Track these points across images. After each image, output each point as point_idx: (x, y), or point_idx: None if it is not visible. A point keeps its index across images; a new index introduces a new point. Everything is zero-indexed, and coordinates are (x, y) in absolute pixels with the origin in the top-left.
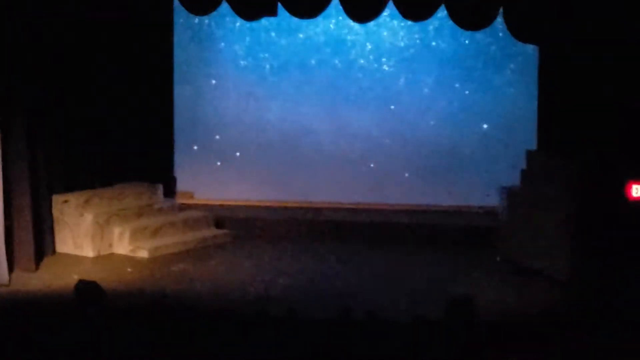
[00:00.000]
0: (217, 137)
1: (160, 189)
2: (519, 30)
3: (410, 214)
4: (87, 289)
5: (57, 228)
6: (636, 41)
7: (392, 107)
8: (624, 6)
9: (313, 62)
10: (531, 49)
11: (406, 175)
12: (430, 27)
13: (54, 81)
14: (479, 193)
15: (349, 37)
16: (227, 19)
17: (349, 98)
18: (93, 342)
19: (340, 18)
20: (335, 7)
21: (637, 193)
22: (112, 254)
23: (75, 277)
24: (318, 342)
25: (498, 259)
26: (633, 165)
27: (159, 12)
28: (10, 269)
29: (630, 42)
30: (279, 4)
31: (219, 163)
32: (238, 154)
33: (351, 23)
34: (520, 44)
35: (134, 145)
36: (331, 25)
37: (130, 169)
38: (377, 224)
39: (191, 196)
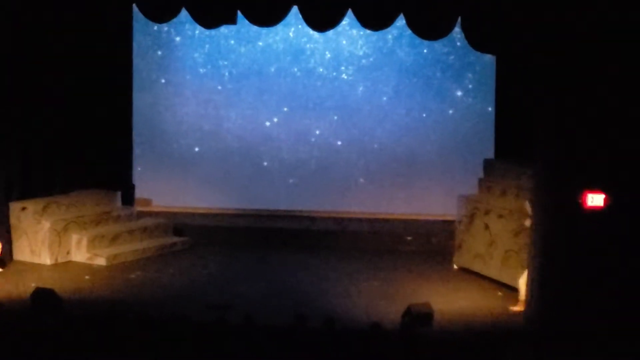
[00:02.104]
0: (176, 144)
1: (118, 196)
2: (476, 40)
3: (368, 222)
4: (44, 297)
5: (14, 235)
6: (594, 51)
7: (351, 115)
8: (581, 15)
9: (272, 70)
10: (489, 59)
11: (364, 183)
12: (389, 36)
13: (10, 88)
14: (437, 201)
15: (308, 46)
16: (187, 26)
17: (308, 106)
18: (50, 349)
19: (300, 26)
20: (294, 15)
21: (592, 202)
22: (70, 261)
23: (33, 285)
24: (275, 349)
25: (455, 267)
26: (588, 175)
27: (118, 19)
28: None
29: (589, 52)
30: (239, 12)
31: (177, 170)
32: (197, 161)
33: (310, 32)
34: (478, 53)
35: (93, 153)
36: (290, 34)
37: (89, 176)
38: (336, 232)
39: (149, 203)
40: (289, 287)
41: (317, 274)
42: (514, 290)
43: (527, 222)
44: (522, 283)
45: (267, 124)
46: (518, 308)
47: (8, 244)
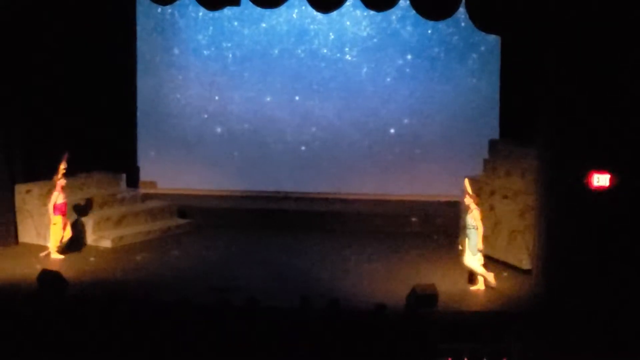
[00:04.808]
0: (180, 126)
1: (123, 178)
2: (481, 21)
3: (372, 203)
4: (50, 279)
5: (19, 218)
6: (598, 30)
7: (355, 96)
8: None
9: (276, 51)
10: (493, 39)
11: (368, 164)
12: (393, 17)
13: (14, 72)
14: (442, 182)
15: (312, 27)
16: (190, 8)
17: (312, 87)
18: (55, 330)
19: (303, 8)
20: None
21: (598, 182)
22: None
23: (38, 267)
24: (279, 330)
25: (460, 248)
26: (594, 155)
27: (122, 2)
28: None
29: (592, 31)
30: None
31: (182, 153)
32: (201, 143)
33: (314, 13)
34: (482, 34)
35: (97, 135)
36: (294, 15)
37: (94, 159)
38: (340, 213)
39: (154, 186)
40: (294, 269)
41: (321, 255)
42: (520, 270)
43: (467, 200)
44: (474, 263)
45: (271, 105)
46: (478, 287)
47: (13, 225)
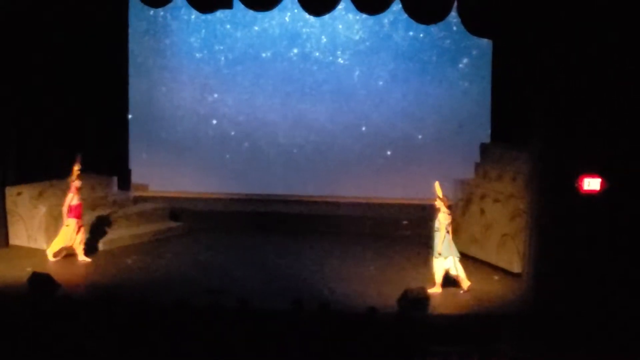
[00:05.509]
0: (172, 129)
1: (114, 181)
2: (472, 25)
3: (364, 206)
4: (41, 282)
5: (10, 220)
6: (588, 35)
7: (347, 99)
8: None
9: (268, 54)
10: (485, 43)
11: (360, 167)
12: (385, 21)
13: (6, 74)
14: (433, 186)
15: (304, 30)
16: (183, 11)
17: (304, 91)
18: (47, 334)
19: (296, 11)
20: (290, 0)
21: (588, 186)
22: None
23: (29, 270)
24: (270, 333)
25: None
26: (585, 159)
27: (114, 4)
28: None
29: (585, 36)
30: None
31: (174, 155)
32: (193, 146)
33: (306, 16)
34: (474, 38)
35: (89, 138)
36: (286, 18)
37: (85, 161)
38: (332, 217)
39: (146, 188)
40: (285, 271)
41: (313, 259)
42: (510, 274)
43: (437, 203)
44: (435, 265)
45: (263, 108)
46: (435, 290)
47: (4, 228)
